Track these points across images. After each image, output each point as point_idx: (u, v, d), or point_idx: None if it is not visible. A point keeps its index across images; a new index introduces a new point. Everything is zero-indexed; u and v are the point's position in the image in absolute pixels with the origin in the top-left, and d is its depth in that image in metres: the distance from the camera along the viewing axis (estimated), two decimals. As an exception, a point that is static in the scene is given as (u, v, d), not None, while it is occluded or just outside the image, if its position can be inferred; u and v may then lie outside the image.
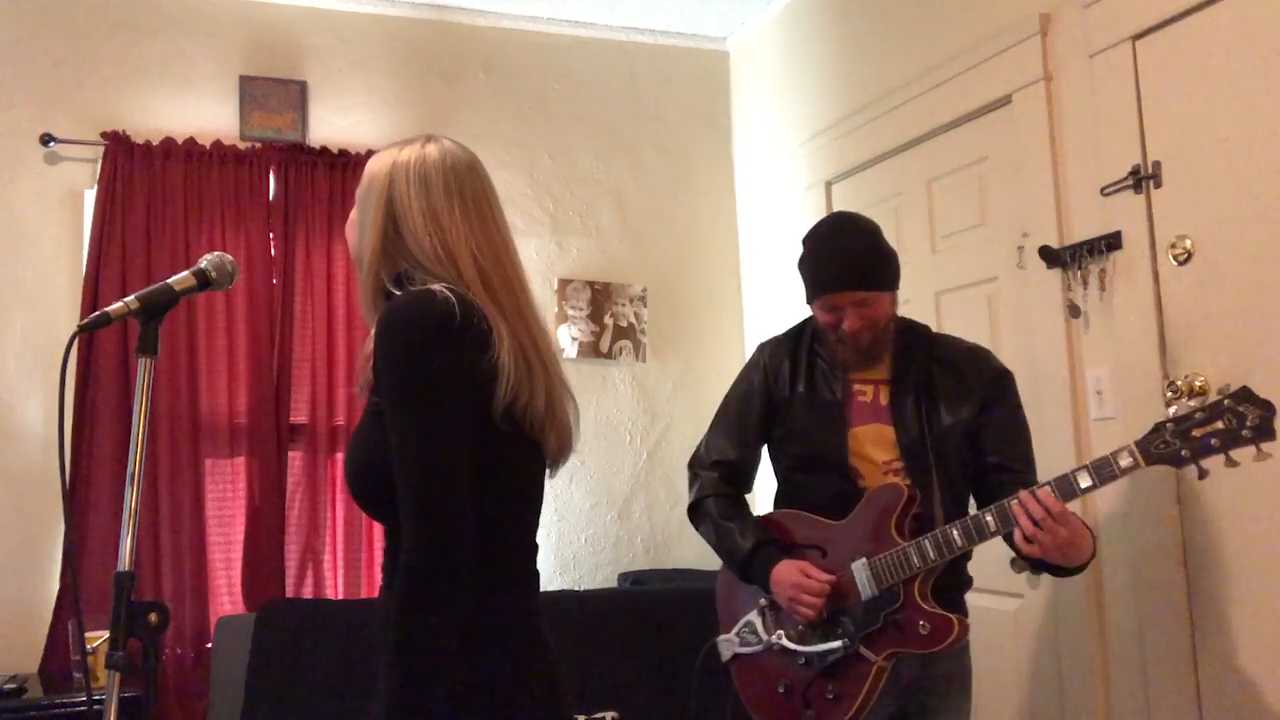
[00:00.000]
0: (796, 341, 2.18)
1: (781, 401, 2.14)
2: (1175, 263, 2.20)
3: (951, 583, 2.01)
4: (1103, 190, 2.34)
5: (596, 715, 2.97)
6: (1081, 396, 2.43)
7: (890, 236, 3.10)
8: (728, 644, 2.15)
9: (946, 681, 2.04)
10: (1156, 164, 2.23)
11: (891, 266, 2.08)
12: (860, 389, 2.08)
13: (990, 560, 2.49)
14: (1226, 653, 2.10)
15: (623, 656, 3.09)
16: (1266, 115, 2.01)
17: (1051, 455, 2.44)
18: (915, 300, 3.01)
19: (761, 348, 2.23)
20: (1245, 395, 1.64)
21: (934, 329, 2.88)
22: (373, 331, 1.40)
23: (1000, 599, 2.63)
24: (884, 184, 3.19)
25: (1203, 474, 1.67)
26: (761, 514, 2.17)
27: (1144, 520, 2.25)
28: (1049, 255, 2.46)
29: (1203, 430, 1.66)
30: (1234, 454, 1.63)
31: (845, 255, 2.04)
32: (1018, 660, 2.62)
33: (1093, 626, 2.38)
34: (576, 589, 3.61)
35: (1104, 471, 1.74)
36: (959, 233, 2.87)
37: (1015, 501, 1.79)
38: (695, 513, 2.20)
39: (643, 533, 3.83)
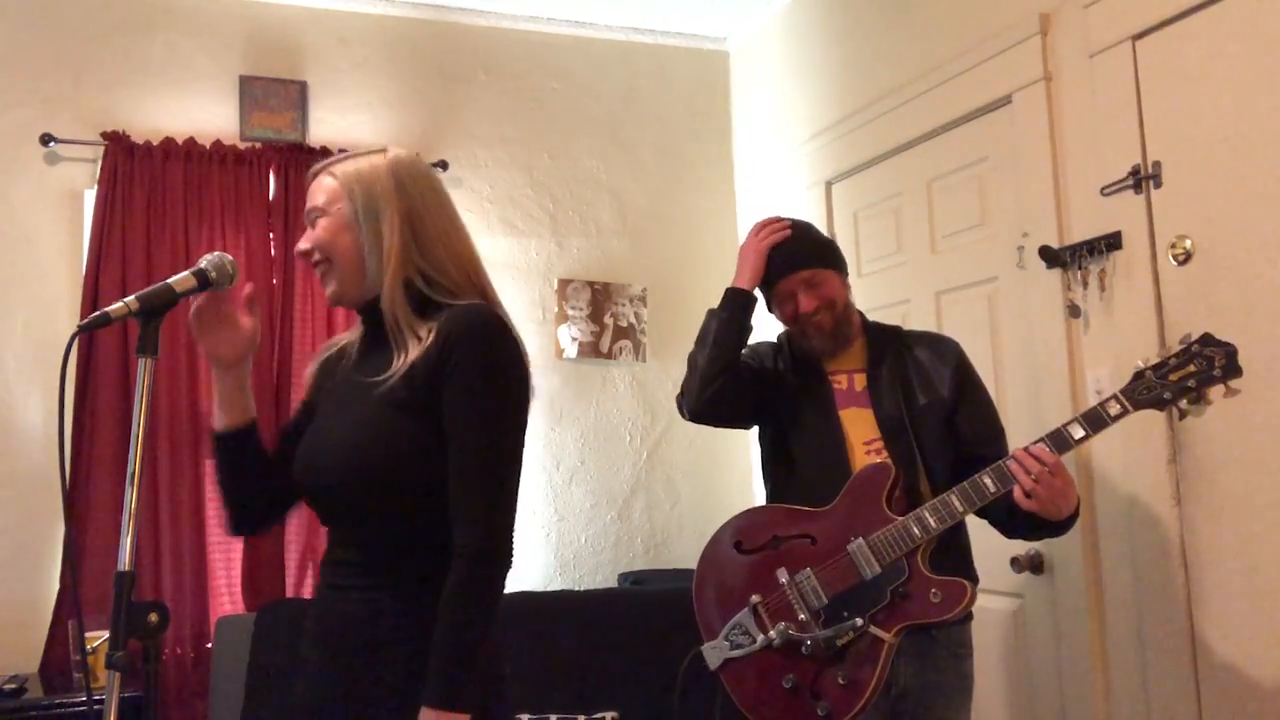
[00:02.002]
0: (779, 345, 2.28)
1: (772, 381, 2.21)
2: (1175, 263, 2.20)
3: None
4: (1103, 190, 2.34)
5: (596, 715, 2.97)
6: (1081, 396, 2.43)
7: (890, 236, 3.14)
8: (716, 651, 2.08)
9: (945, 689, 2.02)
10: (1156, 164, 2.23)
11: (830, 249, 2.22)
12: (836, 379, 2.15)
13: (990, 560, 2.49)
14: (1226, 653, 2.10)
15: (623, 656, 3.09)
16: (1266, 115, 2.02)
17: (1051, 455, 2.45)
18: (915, 300, 3.02)
19: (749, 347, 2.31)
20: (1209, 340, 1.80)
21: (934, 329, 2.92)
22: (431, 335, 1.45)
23: (1000, 599, 2.63)
24: (884, 184, 3.19)
25: (1183, 414, 1.83)
26: (743, 510, 2.17)
27: (1144, 520, 2.25)
28: (1049, 255, 2.46)
29: (1178, 374, 1.81)
30: (1208, 392, 1.80)
31: (783, 245, 2.17)
32: (1018, 660, 2.62)
33: (1093, 626, 2.38)
34: (576, 589, 3.61)
35: (1095, 420, 1.84)
36: (959, 233, 2.87)
37: (1012, 461, 1.86)
38: (689, 372, 2.20)
39: (643, 533, 3.83)
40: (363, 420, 1.47)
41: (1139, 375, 1.83)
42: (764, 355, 2.28)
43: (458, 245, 1.54)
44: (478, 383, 1.43)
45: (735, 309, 2.15)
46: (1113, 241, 2.31)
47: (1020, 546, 2.49)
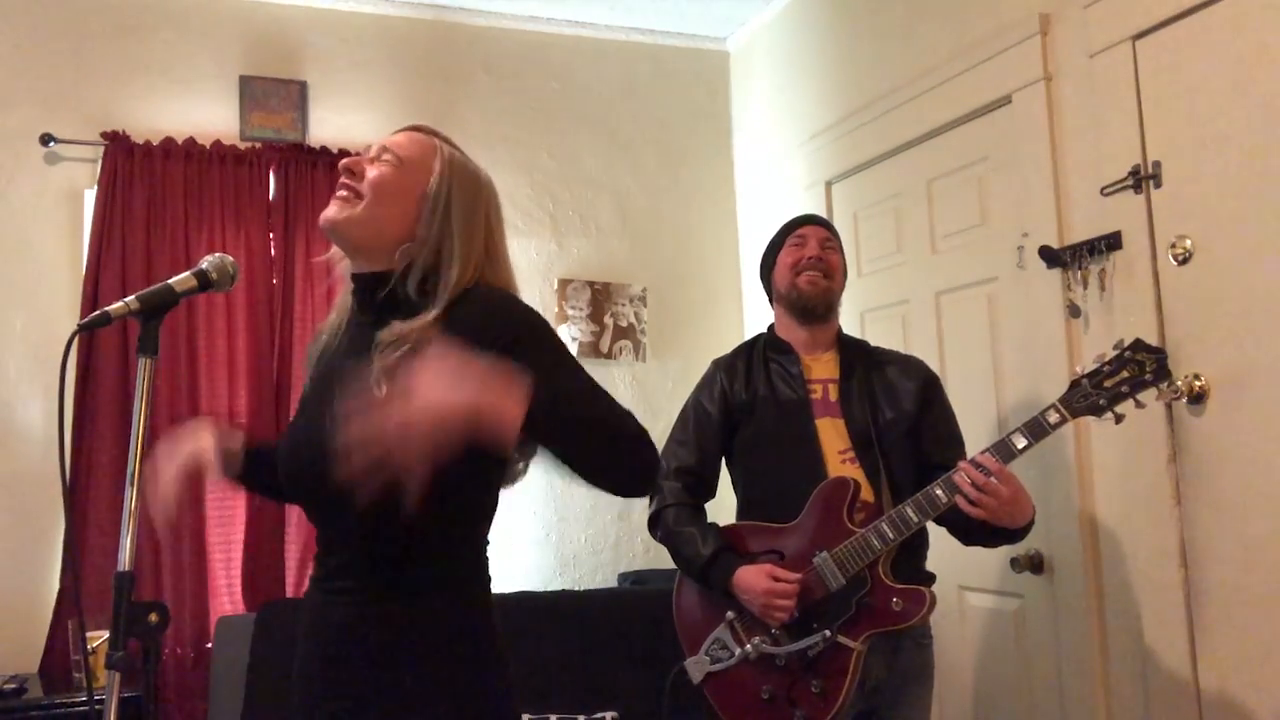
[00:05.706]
0: (750, 353, 2.31)
1: (741, 408, 2.23)
2: (1175, 263, 2.20)
3: (912, 580, 2.06)
4: (1103, 190, 2.34)
5: (596, 715, 2.97)
6: (1081, 396, 2.43)
7: (890, 236, 3.14)
8: (698, 665, 2.15)
9: (909, 676, 2.11)
10: (1156, 164, 2.23)
11: (842, 250, 2.34)
12: (812, 387, 2.20)
13: (990, 560, 2.50)
14: (1226, 652, 2.10)
15: (623, 656, 3.09)
16: (1266, 115, 2.01)
17: (1052, 455, 2.45)
18: (915, 300, 3.02)
19: (716, 363, 2.35)
20: (1140, 345, 1.88)
21: (934, 329, 2.93)
22: (473, 319, 1.39)
23: (1000, 599, 2.63)
24: (884, 184, 3.19)
25: (1119, 419, 1.88)
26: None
27: (1144, 520, 2.25)
28: (1049, 255, 2.46)
29: (1113, 380, 1.89)
30: (1140, 396, 1.87)
31: (811, 216, 2.39)
32: (1018, 660, 2.62)
33: (1093, 626, 2.38)
34: (576, 589, 3.61)
35: (1036, 430, 1.92)
36: (959, 233, 2.87)
37: (958, 471, 1.92)
38: (654, 523, 2.27)
39: (643, 533, 3.82)
40: None
41: (1075, 384, 1.91)
42: (735, 376, 2.26)
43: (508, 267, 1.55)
44: (554, 348, 1.47)
45: (694, 576, 2.18)
46: (1113, 241, 2.31)
47: (1021, 546, 2.49)
